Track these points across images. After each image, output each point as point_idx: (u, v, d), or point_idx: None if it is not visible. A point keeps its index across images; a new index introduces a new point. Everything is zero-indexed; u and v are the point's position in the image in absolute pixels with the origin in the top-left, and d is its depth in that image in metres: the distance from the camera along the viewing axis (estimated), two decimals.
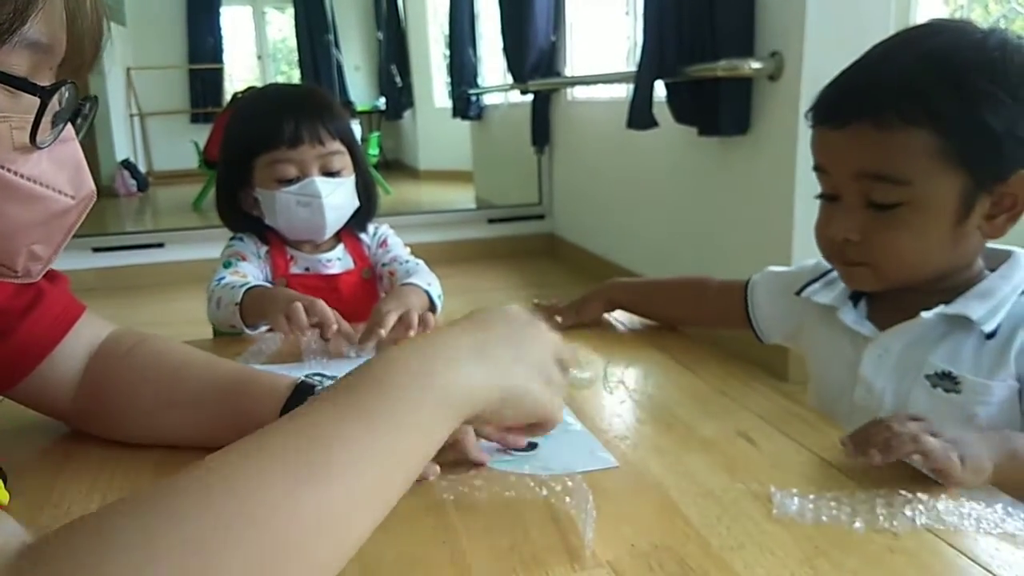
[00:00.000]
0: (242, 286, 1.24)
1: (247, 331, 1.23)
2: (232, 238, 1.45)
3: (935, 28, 0.86)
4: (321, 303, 1.13)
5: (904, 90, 0.80)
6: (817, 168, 0.88)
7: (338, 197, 1.37)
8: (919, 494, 0.65)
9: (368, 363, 0.54)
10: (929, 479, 0.69)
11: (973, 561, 0.57)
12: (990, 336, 0.84)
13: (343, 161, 1.38)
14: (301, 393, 0.76)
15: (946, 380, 0.85)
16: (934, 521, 0.62)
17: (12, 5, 0.49)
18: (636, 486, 0.70)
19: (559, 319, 1.19)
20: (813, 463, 0.73)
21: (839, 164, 0.86)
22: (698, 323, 1.18)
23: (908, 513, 0.63)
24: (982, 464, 0.67)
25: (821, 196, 0.89)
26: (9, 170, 0.53)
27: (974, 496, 0.65)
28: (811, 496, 0.65)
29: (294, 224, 1.38)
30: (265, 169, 1.35)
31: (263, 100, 1.45)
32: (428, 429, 0.53)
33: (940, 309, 0.85)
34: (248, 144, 1.36)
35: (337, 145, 1.37)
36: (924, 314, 0.87)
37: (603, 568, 0.58)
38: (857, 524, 0.62)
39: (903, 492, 0.65)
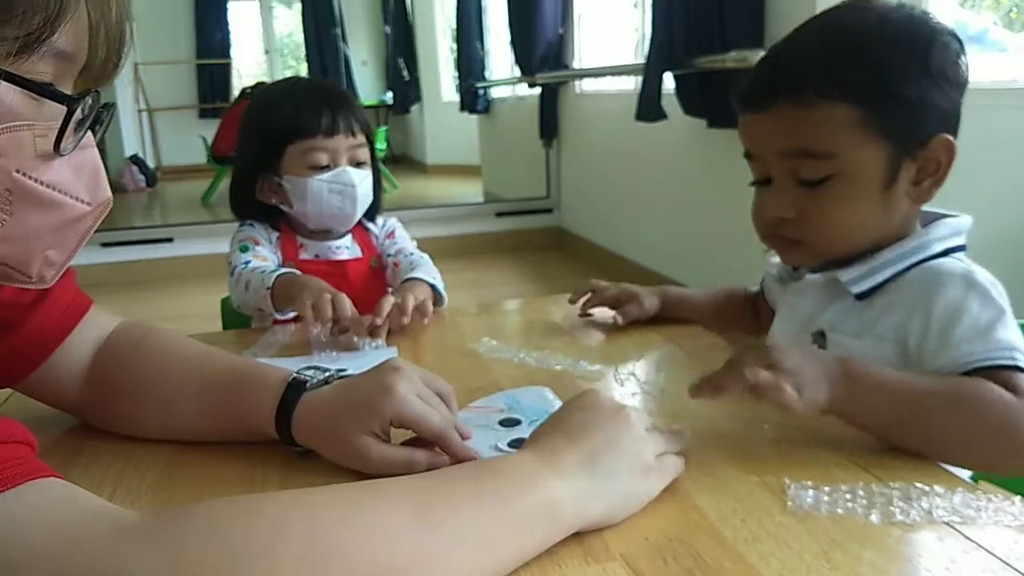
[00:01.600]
0: (272, 271, 1.27)
1: (276, 315, 1.26)
2: (241, 225, 1.46)
3: (845, 8, 0.88)
4: (345, 300, 1.14)
5: (816, 67, 0.83)
6: (746, 155, 0.90)
7: (365, 187, 1.41)
8: (935, 486, 0.64)
9: (491, 459, 0.64)
10: (946, 471, 0.69)
11: (991, 554, 0.56)
12: (860, 297, 0.86)
13: (366, 154, 1.42)
14: (294, 389, 0.76)
15: (820, 339, 0.89)
16: (951, 513, 0.61)
17: (43, 15, 0.50)
18: None
19: (619, 319, 1.14)
20: (828, 455, 0.72)
21: (765, 147, 0.88)
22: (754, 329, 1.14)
23: (924, 505, 0.62)
24: (818, 394, 0.71)
25: (754, 183, 0.91)
26: (31, 177, 0.54)
27: (991, 490, 0.65)
28: (826, 488, 0.64)
29: (324, 212, 1.40)
30: (299, 156, 1.37)
31: (296, 90, 1.46)
32: (529, 524, 0.57)
33: (825, 272, 0.89)
34: (283, 130, 1.38)
35: (363, 138, 1.41)
36: (808, 276, 0.92)
37: (617, 561, 0.57)
38: (873, 516, 0.61)
39: (919, 484, 0.65)
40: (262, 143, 1.40)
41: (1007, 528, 0.60)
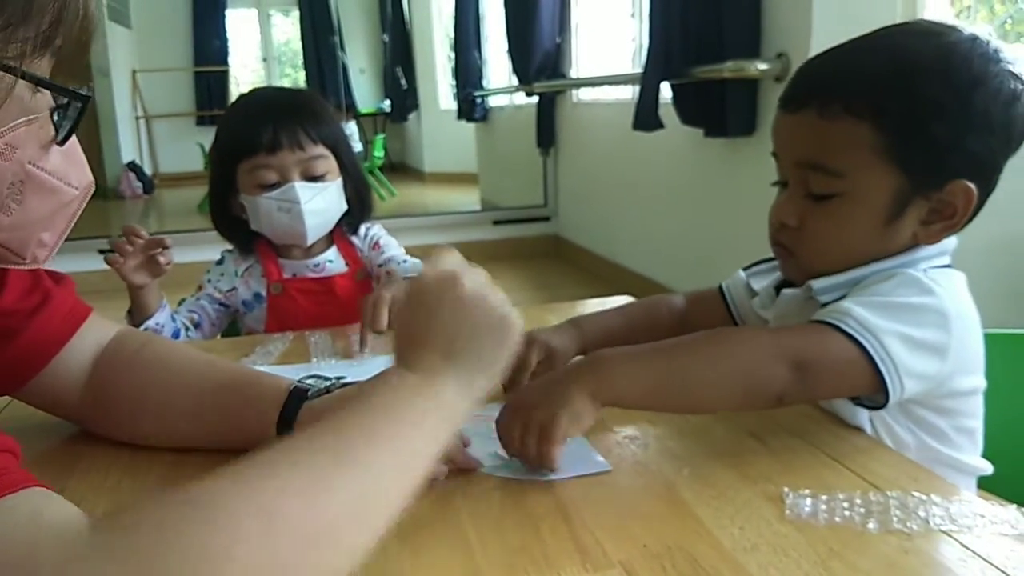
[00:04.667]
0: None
1: (152, 319, 1.32)
2: (217, 261, 1.47)
3: (913, 28, 0.84)
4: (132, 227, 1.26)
5: (854, 82, 0.80)
6: (773, 153, 0.89)
7: (319, 202, 1.36)
8: (933, 495, 0.64)
9: (379, 381, 0.62)
10: (941, 479, 0.69)
11: (987, 562, 0.57)
12: (824, 306, 0.82)
13: (327, 165, 1.37)
14: (296, 398, 0.76)
15: None
16: (948, 522, 0.61)
17: (49, 16, 0.53)
18: (648, 487, 0.70)
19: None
20: (825, 464, 0.72)
21: (786, 150, 0.86)
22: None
23: (922, 514, 0.62)
24: (579, 414, 0.71)
25: (777, 183, 0.89)
26: (39, 167, 0.58)
27: (988, 498, 0.65)
28: (824, 497, 0.65)
29: (276, 229, 1.38)
30: (247, 175, 1.35)
31: (247, 106, 1.45)
32: (432, 432, 0.58)
33: (803, 286, 0.87)
34: (231, 150, 1.37)
35: (320, 150, 1.35)
36: (784, 291, 0.90)
37: (615, 569, 0.57)
38: (871, 525, 0.61)
39: (917, 493, 0.65)
40: (219, 162, 1.39)
41: (1004, 536, 0.60)
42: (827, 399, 0.81)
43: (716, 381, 0.74)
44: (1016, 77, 0.79)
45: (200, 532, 0.47)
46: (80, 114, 0.60)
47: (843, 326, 0.73)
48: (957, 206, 0.79)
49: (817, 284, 0.84)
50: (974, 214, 0.81)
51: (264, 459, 0.53)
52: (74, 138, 0.62)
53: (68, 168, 0.62)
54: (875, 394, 0.74)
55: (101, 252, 1.24)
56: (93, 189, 0.66)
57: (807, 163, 0.83)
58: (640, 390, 0.74)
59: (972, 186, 0.78)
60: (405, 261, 1.44)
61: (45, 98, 0.57)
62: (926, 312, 0.76)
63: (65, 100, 0.58)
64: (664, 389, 0.75)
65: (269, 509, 0.48)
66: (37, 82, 0.54)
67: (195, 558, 0.45)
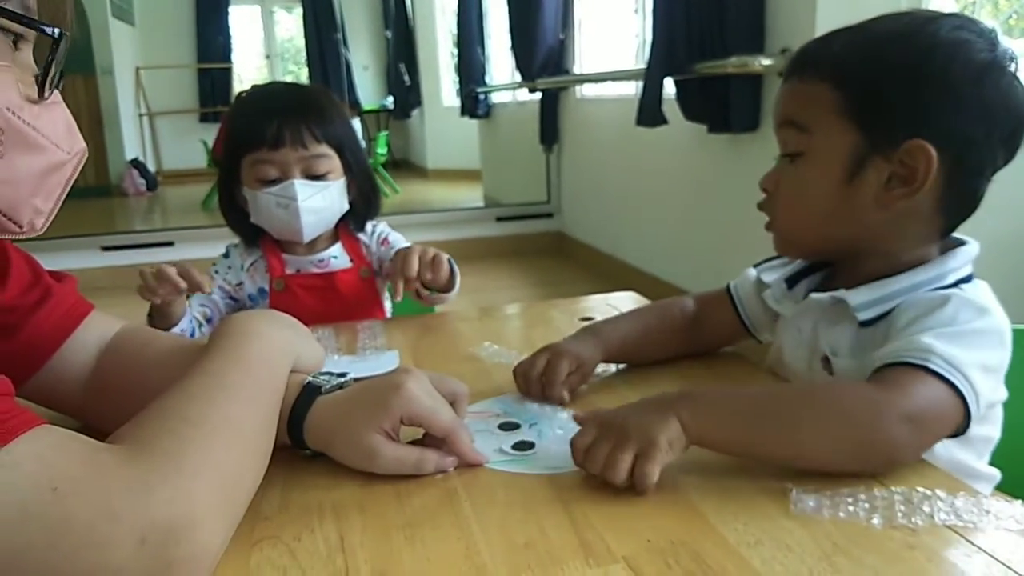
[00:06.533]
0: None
1: (177, 327, 1.29)
2: (223, 255, 1.46)
3: (898, 13, 0.88)
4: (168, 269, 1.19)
5: (826, 51, 0.86)
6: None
7: (318, 201, 1.36)
8: (938, 491, 0.64)
9: (227, 343, 0.73)
10: (947, 475, 0.69)
11: (992, 557, 0.57)
12: (864, 325, 0.83)
13: (329, 164, 1.37)
14: (309, 392, 0.76)
15: (826, 363, 0.88)
16: (953, 518, 0.61)
17: None
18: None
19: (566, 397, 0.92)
20: None
21: (774, 118, 0.90)
22: (696, 347, 1.05)
23: (927, 509, 0.62)
24: (673, 441, 0.68)
25: None
26: (19, 117, 0.58)
27: (993, 494, 0.65)
28: (829, 493, 0.64)
29: (274, 224, 1.38)
30: (249, 169, 1.35)
31: (254, 100, 1.45)
32: (277, 366, 0.74)
33: (832, 293, 0.87)
34: (235, 144, 1.37)
35: (323, 149, 1.35)
36: (812, 295, 0.91)
37: (619, 564, 0.57)
38: (875, 520, 0.61)
39: (921, 489, 0.65)
40: (226, 155, 1.40)
41: (1009, 532, 0.60)
42: (930, 447, 0.75)
43: (827, 445, 0.69)
44: (995, 49, 0.79)
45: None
46: (53, 55, 0.60)
47: (932, 366, 0.71)
48: (918, 169, 0.80)
49: (855, 300, 0.84)
50: (969, 197, 0.84)
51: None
52: (62, 106, 0.64)
53: (55, 130, 0.62)
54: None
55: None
56: (86, 156, 0.66)
57: (784, 121, 0.88)
58: (733, 437, 0.70)
59: (930, 148, 0.78)
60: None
61: (17, 55, 0.59)
62: (990, 335, 0.77)
63: (49, 58, 0.59)
64: (763, 439, 0.70)
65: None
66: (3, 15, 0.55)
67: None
